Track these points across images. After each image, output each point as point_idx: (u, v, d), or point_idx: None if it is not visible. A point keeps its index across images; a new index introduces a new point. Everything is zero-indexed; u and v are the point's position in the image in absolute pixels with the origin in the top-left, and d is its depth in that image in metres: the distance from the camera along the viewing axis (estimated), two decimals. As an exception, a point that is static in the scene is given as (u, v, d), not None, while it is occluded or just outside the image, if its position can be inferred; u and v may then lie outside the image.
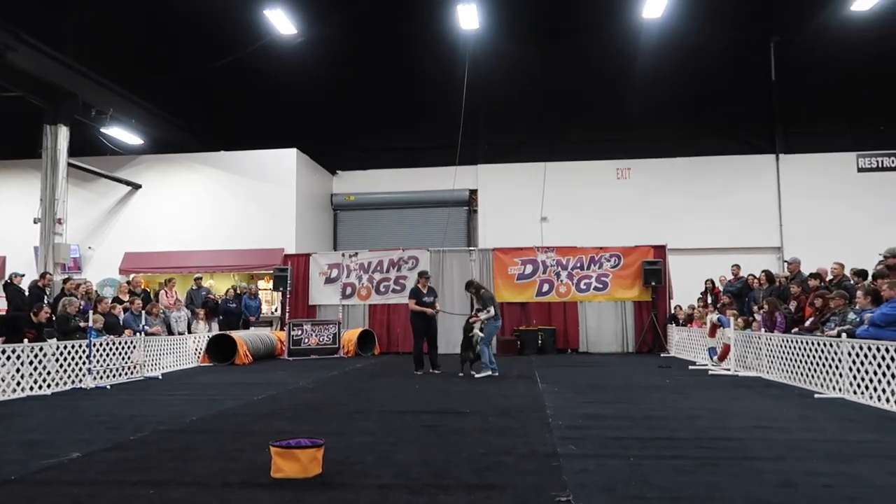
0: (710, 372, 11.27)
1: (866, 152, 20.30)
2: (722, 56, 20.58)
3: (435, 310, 11.59)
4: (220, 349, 13.81)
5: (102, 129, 18.09)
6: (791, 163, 20.55)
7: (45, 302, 11.63)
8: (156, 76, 20.13)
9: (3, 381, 8.69)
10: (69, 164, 16.39)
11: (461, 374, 10.77)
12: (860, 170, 20.27)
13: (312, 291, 17.16)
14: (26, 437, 5.97)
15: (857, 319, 8.72)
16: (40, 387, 9.19)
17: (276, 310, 18.83)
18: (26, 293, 12.67)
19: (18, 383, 8.91)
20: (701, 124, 21.26)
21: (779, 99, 20.73)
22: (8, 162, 20.33)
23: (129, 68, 19.39)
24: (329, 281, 17.13)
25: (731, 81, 20.91)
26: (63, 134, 15.97)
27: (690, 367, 12.10)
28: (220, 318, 15.90)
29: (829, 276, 11.46)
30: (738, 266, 14.82)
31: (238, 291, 16.57)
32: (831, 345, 8.47)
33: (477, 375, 10.53)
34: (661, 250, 16.34)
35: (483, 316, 10.80)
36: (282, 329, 16.40)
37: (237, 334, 14.29)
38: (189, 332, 14.46)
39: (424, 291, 11.58)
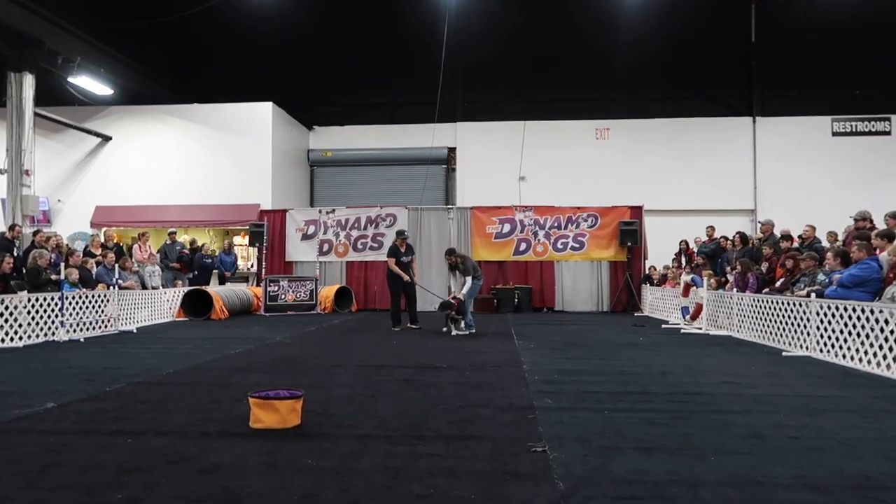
0: (682, 331, 11.49)
1: (841, 116, 20.52)
2: (703, 16, 20.48)
3: (412, 274, 11.51)
4: (196, 304, 13.71)
5: (70, 79, 17.52)
6: (767, 125, 20.72)
7: (14, 254, 11.40)
8: (125, 24, 19.45)
9: (-27, 333, 8.55)
10: (36, 114, 15.90)
11: (444, 329, 10.76)
12: (834, 134, 20.53)
13: (289, 248, 17.05)
14: (-1, 389, 5.91)
15: (827, 280, 8.91)
16: (11, 339, 9.07)
17: (251, 266, 18.70)
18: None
19: (-11, 336, 8.79)
20: (680, 85, 21.25)
21: (758, 61, 20.76)
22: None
23: (96, 15, 18.66)
24: (306, 237, 17.01)
25: (711, 42, 20.86)
26: (28, 82, 15.45)
27: (663, 326, 12.32)
28: (195, 273, 15.73)
29: (802, 237, 11.67)
30: (712, 227, 15.01)
31: (193, 247, 16.26)
32: (800, 304, 8.67)
33: (454, 332, 10.62)
34: (637, 211, 16.46)
35: (465, 290, 10.65)
36: (258, 285, 16.33)
37: (213, 289, 14.18)
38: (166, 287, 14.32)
39: (403, 250, 11.55)
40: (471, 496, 3.17)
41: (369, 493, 3.20)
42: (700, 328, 11.41)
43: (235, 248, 18.40)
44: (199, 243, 16.82)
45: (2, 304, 9.00)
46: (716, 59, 20.99)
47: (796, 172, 20.15)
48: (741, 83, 21.07)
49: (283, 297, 15.24)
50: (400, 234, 11.83)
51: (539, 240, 16.52)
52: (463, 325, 10.71)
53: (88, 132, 19.08)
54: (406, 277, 11.36)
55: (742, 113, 20.92)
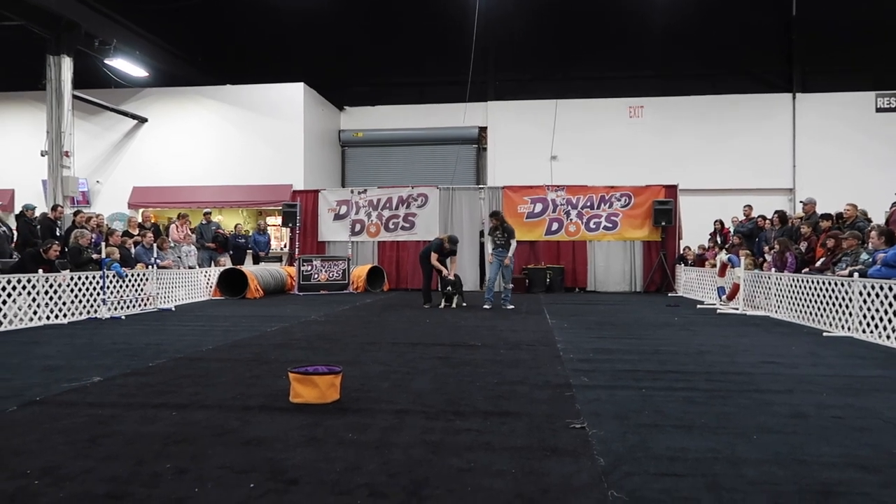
0: (718, 311, 11.34)
1: (886, 92, 19.86)
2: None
3: (444, 271, 11.92)
4: (231, 283, 13.93)
5: (106, 61, 17.79)
6: (807, 102, 20.16)
7: (57, 235, 11.69)
8: (159, 6, 19.63)
9: (20, 309, 8.82)
10: (74, 97, 16.20)
11: (441, 306, 11.67)
12: (878, 110, 19.89)
13: (321, 228, 17.20)
14: (46, 363, 6.09)
15: (870, 260, 8.69)
16: (56, 316, 9.35)
17: (284, 246, 18.91)
18: (37, 227, 12.73)
19: (35, 312, 9.06)
20: (717, 61, 20.77)
21: (798, 35, 20.16)
22: (13, 94, 20.14)
23: (131, -3, 18.91)
24: (338, 217, 17.13)
25: (749, 16, 20.32)
26: (67, 65, 15.73)
27: (698, 307, 12.17)
28: (231, 252, 15.99)
29: (844, 217, 11.37)
30: (749, 207, 14.73)
31: (236, 232, 16.60)
32: (842, 284, 8.48)
33: (453, 306, 11.54)
34: (672, 190, 16.21)
35: (510, 253, 11.51)
36: (291, 265, 16.51)
37: (248, 269, 14.39)
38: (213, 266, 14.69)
39: (445, 249, 11.89)
40: (511, 471, 3.18)
41: (409, 467, 3.23)
42: (736, 308, 11.24)
43: (269, 228, 18.61)
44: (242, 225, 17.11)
45: (48, 282, 9.25)
46: (754, 34, 20.44)
47: (838, 150, 19.61)
48: (780, 58, 20.50)
49: (316, 276, 15.40)
50: (452, 242, 11.98)
51: (571, 219, 16.39)
52: (456, 300, 11.68)
53: (125, 114, 19.39)
54: (444, 272, 11.83)
55: (781, 89, 20.38)
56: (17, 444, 3.58)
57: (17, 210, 13.58)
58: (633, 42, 20.58)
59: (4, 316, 8.55)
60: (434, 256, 11.83)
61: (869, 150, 19.47)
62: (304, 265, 15.42)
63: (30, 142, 18.07)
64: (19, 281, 8.83)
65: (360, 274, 15.89)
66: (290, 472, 3.15)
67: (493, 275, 11.82)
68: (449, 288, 11.71)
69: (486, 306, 11.49)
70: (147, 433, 3.80)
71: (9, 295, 8.62)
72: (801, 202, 13.35)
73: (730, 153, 20.13)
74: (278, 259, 18.32)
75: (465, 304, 11.84)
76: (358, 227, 17.03)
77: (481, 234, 13.22)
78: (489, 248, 11.84)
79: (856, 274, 8.31)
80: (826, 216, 11.42)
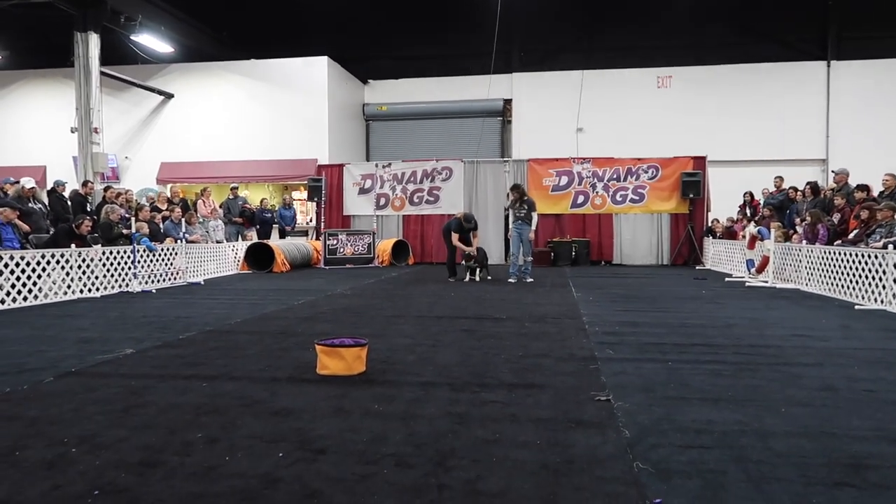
0: (746, 284, 11.19)
1: (926, 58, 19.19)
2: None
3: (467, 249, 11.85)
4: (258, 257, 14.09)
5: (132, 37, 17.87)
6: (843, 70, 19.57)
7: (88, 210, 11.88)
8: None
9: (54, 283, 9.03)
10: (102, 73, 16.34)
11: (467, 279, 11.64)
12: (918, 77, 19.22)
13: (347, 202, 17.24)
14: (81, 335, 6.24)
15: (906, 231, 8.49)
16: (89, 290, 9.56)
17: (310, 220, 19.03)
18: (68, 202, 12.95)
19: (69, 286, 9.26)
20: (748, 29, 20.21)
21: (834, 1, 19.49)
22: (43, 71, 20.38)
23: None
24: (363, 191, 17.15)
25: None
26: (94, 41, 15.84)
27: (727, 280, 12.02)
28: (257, 227, 16.15)
29: (881, 189, 11.07)
30: (780, 178, 14.41)
31: (262, 206, 16.74)
32: (875, 256, 8.30)
33: (477, 279, 11.63)
34: (700, 161, 15.91)
35: (533, 227, 11.55)
36: (317, 239, 16.63)
37: (275, 243, 14.53)
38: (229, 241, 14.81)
39: (465, 226, 11.83)
40: (536, 442, 3.19)
41: (435, 437, 3.26)
42: (766, 281, 11.08)
43: (294, 202, 18.72)
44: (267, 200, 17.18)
45: (80, 257, 9.45)
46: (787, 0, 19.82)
47: (874, 119, 19.05)
48: (814, 25, 19.88)
49: (341, 250, 15.50)
50: (467, 220, 11.90)
51: (597, 192, 16.21)
52: (478, 273, 11.73)
53: (152, 90, 19.54)
54: (466, 249, 11.83)
55: (815, 57, 19.79)
56: (54, 414, 3.68)
57: (49, 186, 13.82)
58: (661, 10, 20.07)
59: (40, 290, 8.77)
60: (455, 236, 11.82)
61: (906, 118, 18.89)
62: (329, 239, 15.52)
63: (60, 119, 18.33)
64: (53, 256, 9.04)
65: (385, 248, 15.94)
66: (317, 442, 3.20)
67: (515, 249, 11.83)
68: (472, 262, 11.71)
69: (510, 280, 11.51)
70: (178, 403, 3.88)
71: (43, 269, 8.83)
72: (832, 172, 13.04)
73: (760, 123, 19.68)
74: (304, 233, 18.45)
75: (489, 278, 11.88)
76: (383, 200, 17.05)
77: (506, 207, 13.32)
78: (511, 221, 11.82)
79: (890, 246, 8.12)
80: (861, 187, 11.13)
